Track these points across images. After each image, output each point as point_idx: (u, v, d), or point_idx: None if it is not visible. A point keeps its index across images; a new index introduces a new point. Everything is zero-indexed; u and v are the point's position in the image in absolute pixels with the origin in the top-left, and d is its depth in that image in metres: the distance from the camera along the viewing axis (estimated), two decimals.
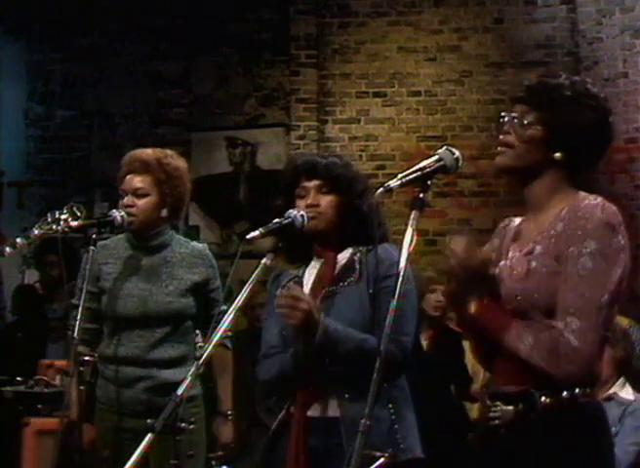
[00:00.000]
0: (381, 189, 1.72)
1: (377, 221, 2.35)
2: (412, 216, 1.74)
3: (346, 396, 2.22)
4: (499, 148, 1.87)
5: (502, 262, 1.88)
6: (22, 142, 6.68)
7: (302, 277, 2.43)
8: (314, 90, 6.46)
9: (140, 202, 2.78)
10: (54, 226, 2.91)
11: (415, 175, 1.76)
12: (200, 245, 2.93)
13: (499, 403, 1.79)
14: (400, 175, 1.75)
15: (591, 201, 1.77)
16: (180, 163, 2.90)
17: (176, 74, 6.61)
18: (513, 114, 1.86)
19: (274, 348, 2.40)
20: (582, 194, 1.83)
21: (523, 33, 6.39)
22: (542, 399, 1.74)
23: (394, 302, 1.68)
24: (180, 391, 1.85)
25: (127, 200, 2.79)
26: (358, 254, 2.38)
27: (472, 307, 1.82)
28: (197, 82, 6.61)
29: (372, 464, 1.57)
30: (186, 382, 1.86)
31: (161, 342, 2.77)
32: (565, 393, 1.73)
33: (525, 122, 1.83)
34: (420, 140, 6.32)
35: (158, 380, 2.73)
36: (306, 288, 2.40)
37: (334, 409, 2.26)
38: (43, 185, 6.56)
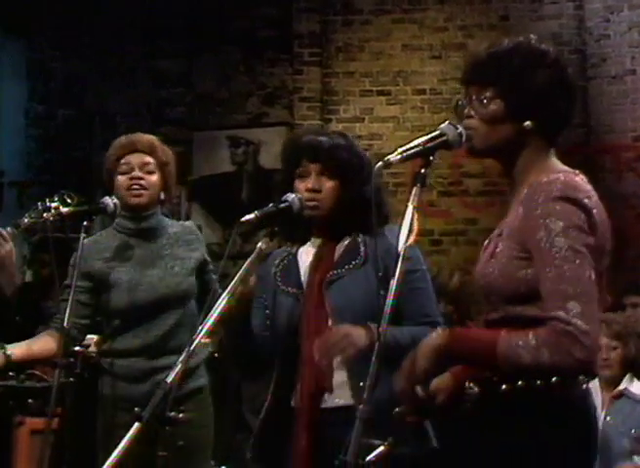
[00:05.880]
0: (381, 163, 1.63)
1: (378, 208, 2.25)
2: (413, 193, 1.65)
3: (361, 384, 2.11)
4: None
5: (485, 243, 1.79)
6: (23, 142, 6.62)
7: (297, 255, 2.35)
8: (318, 88, 6.39)
9: (150, 178, 2.75)
10: (44, 214, 2.84)
11: (416, 149, 1.67)
12: (187, 222, 2.95)
13: (471, 385, 1.68)
14: (401, 150, 1.66)
15: (550, 177, 1.65)
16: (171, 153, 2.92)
17: (177, 73, 6.54)
18: (471, 96, 1.75)
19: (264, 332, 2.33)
20: (551, 168, 1.71)
21: (529, 30, 6.26)
22: (504, 387, 1.63)
23: (394, 284, 1.59)
24: (169, 378, 1.76)
25: (136, 173, 2.73)
26: (361, 237, 2.29)
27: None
28: (199, 80, 6.54)
29: (371, 452, 1.47)
30: (177, 369, 1.77)
31: (176, 329, 2.69)
32: (520, 382, 1.62)
33: (484, 100, 1.72)
34: None
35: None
36: (302, 268, 2.32)
37: (345, 398, 2.17)
38: (43, 185, 6.48)
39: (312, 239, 2.36)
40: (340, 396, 2.19)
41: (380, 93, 6.39)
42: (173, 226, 2.84)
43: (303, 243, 2.38)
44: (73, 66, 6.59)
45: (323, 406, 2.20)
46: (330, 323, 2.22)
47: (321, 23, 6.45)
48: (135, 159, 2.75)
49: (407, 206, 1.65)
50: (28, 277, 5.28)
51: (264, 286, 2.35)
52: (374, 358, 1.52)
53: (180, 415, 1.69)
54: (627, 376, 3.31)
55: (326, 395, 2.20)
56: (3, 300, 3.00)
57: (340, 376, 2.20)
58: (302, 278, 2.31)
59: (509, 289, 1.64)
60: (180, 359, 1.79)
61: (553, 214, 1.59)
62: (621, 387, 3.26)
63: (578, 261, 1.58)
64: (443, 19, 6.44)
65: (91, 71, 6.53)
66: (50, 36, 6.59)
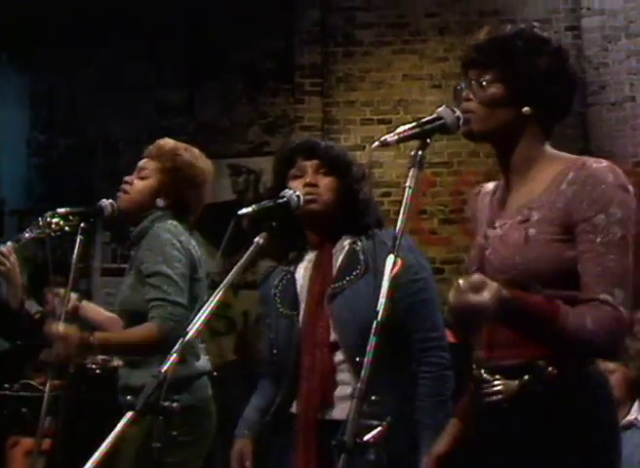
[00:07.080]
0: (377, 143, 1.62)
1: (372, 208, 2.29)
2: (410, 175, 1.64)
3: (373, 397, 2.08)
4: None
5: (491, 231, 1.77)
6: (24, 171, 6.65)
7: (295, 273, 2.32)
8: (319, 117, 6.41)
9: (139, 183, 2.71)
10: (46, 230, 2.85)
11: (413, 131, 1.66)
12: (162, 225, 2.63)
13: (498, 377, 1.68)
14: (398, 131, 1.65)
15: (600, 164, 1.67)
16: (198, 162, 2.83)
17: (179, 102, 6.58)
18: (470, 79, 1.76)
19: (269, 366, 2.35)
20: (564, 155, 1.75)
21: None
22: (550, 369, 1.64)
23: (391, 261, 1.56)
24: (163, 368, 1.72)
25: (128, 177, 2.73)
26: (359, 243, 2.27)
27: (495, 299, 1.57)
28: (201, 110, 6.58)
29: (368, 433, 1.43)
30: (171, 358, 1.73)
31: None
32: (566, 363, 1.64)
33: (483, 83, 1.73)
34: (426, 167, 6.21)
35: (121, 383, 2.51)
36: (300, 283, 2.29)
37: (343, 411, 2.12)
38: (44, 213, 6.48)
39: (308, 253, 2.34)
40: (343, 409, 2.14)
41: (381, 121, 6.41)
42: (155, 233, 2.63)
43: (299, 257, 2.35)
44: (75, 95, 6.63)
45: (326, 417, 2.16)
46: (332, 336, 2.20)
47: (322, 54, 6.50)
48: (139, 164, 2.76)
49: (405, 188, 1.64)
50: (34, 308, 5.23)
51: (268, 309, 2.35)
52: (371, 336, 1.49)
53: (175, 405, 1.65)
54: (637, 405, 3.19)
55: (329, 408, 2.17)
56: (12, 313, 3.00)
57: (343, 390, 2.17)
58: (300, 296, 2.29)
59: (553, 271, 1.64)
60: (174, 349, 1.76)
61: (613, 202, 1.63)
62: (631, 417, 3.14)
63: (628, 252, 1.63)
64: (443, 49, 6.49)
65: (93, 100, 6.57)
66: (52, 66, 6.65)
